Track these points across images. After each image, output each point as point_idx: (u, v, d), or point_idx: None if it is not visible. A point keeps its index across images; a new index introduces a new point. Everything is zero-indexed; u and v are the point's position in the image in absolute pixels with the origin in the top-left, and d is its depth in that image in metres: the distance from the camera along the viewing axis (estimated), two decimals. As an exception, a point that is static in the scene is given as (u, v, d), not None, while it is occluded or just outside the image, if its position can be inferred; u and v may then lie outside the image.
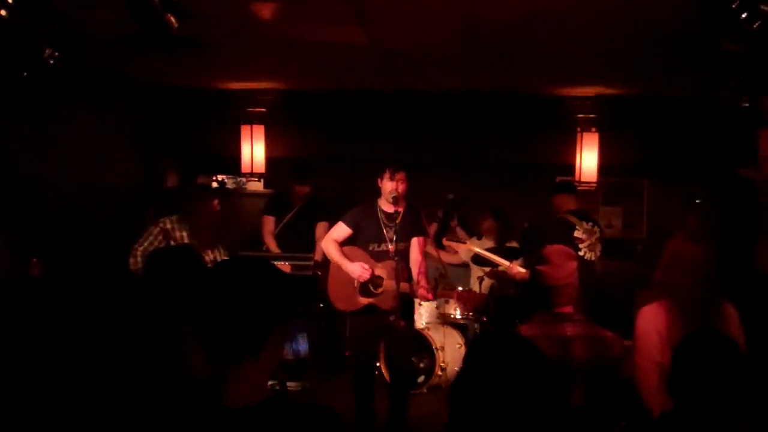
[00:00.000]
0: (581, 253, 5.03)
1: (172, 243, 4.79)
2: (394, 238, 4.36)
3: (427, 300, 4.72)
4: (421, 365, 5.79)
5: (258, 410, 1.51)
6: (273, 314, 1.57)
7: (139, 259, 4.76)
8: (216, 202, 5.12)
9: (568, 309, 2.83)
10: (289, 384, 5.74)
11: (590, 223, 5.22)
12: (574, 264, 2.88)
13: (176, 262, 2.70)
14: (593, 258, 5.16)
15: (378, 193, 4.53)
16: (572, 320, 2.80)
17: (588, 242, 5.14)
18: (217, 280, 1.58)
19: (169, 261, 2.75)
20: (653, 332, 2.88)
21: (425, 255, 4.61)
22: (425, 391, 5.70)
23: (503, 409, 1.67)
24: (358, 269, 4.41)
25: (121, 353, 2.46)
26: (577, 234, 5.13)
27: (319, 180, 6.13)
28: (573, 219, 5.19)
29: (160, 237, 4.82)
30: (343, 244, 4.58)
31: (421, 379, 5.76)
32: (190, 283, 1.61)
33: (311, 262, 5.50)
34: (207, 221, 4.91)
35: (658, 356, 2.82)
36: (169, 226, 4.84)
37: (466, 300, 5.49)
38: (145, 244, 4.80)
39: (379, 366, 5.52)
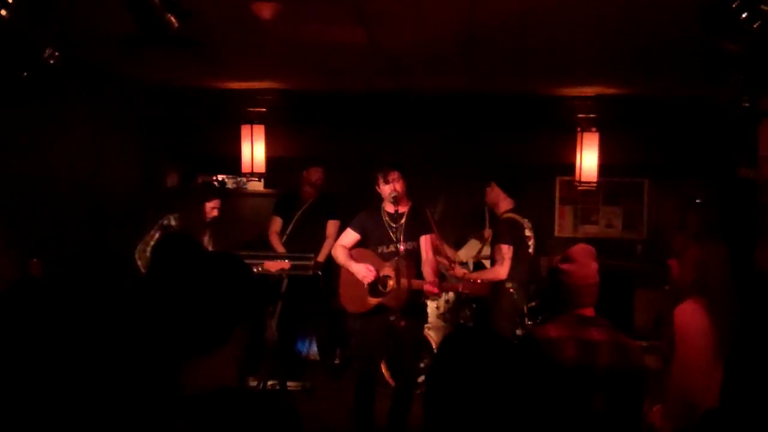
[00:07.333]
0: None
1: None
2: (401, 238, 4.37)
3: (433, 293, 4.64)
4: (421, 365, 5.79)
5: (210, 397, 1.55)
6: (239, 311, 1.62)
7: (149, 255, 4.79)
8: (215, 202, 5.14)
9: (590, 311, 2.72)
10: (289, 384, 5.74)
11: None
12: (596, 263, 2.76)
13: (176, 249, 2.71)
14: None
15: (381, 197, 4.55)
16: (598, 324, 2.68)
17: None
18: (188, 275, 1.63)
19: (170, 248, 2.75)
20: (699, 333, 2.87)
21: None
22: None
23: (475, 409, 1.64)
24: (362, 270, 4.43)
25: (118, 352, 2.46)
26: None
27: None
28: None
29: (159, 233, 4.87)
30: (354, 247, 4.61)
31: (421, 379, 5.75)
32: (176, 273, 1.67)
33: (311, 262, 5.49)
34: (203, 221, 4.95)
35: (705, 356, 2.82)
36: (171, 222, 4.90)
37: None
38: (150, 242, 4.85)
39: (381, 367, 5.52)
